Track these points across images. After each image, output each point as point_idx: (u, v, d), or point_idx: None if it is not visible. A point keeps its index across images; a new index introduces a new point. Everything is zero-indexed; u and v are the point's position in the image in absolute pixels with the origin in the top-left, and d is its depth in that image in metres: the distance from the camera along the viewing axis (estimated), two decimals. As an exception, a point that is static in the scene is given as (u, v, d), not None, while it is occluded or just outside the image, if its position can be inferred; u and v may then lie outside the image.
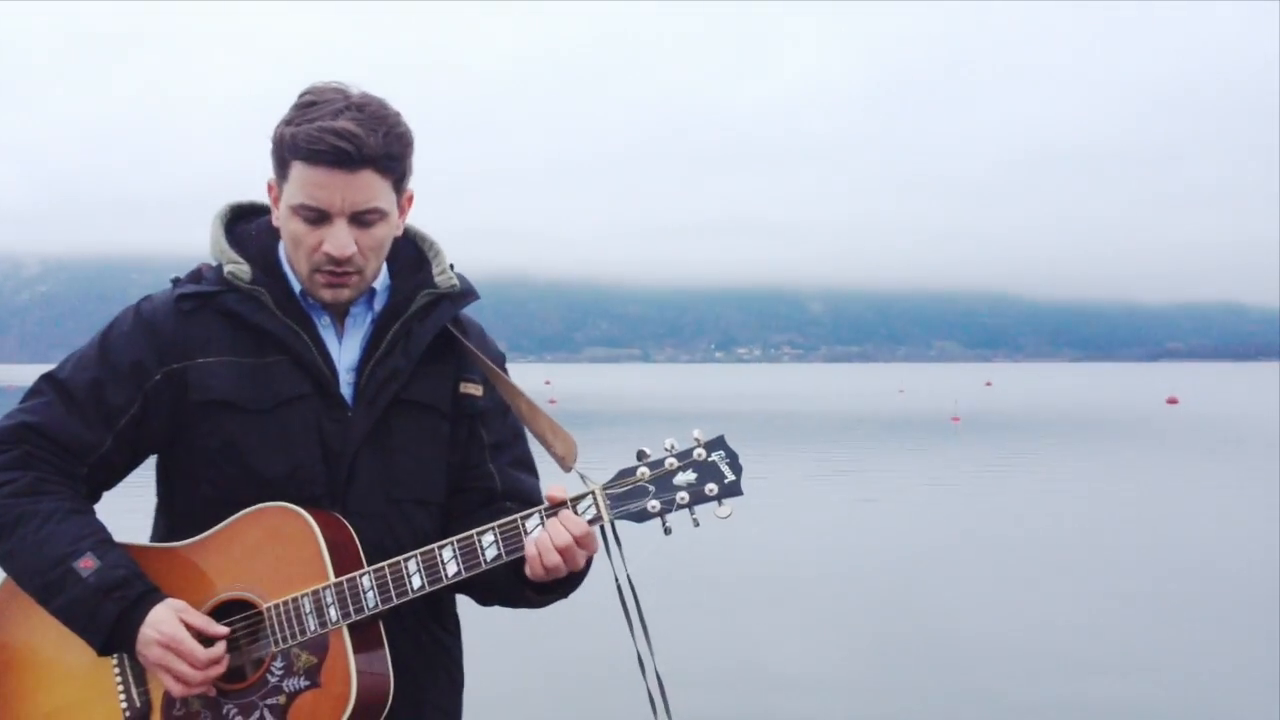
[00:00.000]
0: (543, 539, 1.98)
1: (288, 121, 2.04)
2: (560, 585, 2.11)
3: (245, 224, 2.20)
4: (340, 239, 2.03)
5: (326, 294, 2.09)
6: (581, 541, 1.99)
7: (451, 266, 2.24)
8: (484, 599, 2.22)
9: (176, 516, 2.15)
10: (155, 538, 2.20)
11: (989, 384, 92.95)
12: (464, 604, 2.29)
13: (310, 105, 2.03)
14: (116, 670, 2.07)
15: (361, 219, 2.04)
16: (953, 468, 23.45)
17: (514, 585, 2.10)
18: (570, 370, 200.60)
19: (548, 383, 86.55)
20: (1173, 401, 53.25)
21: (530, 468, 2.29)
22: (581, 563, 2.02)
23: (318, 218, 2.03)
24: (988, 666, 8.22)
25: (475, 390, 2.21)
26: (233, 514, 2.05)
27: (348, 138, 1.98)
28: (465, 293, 2.23)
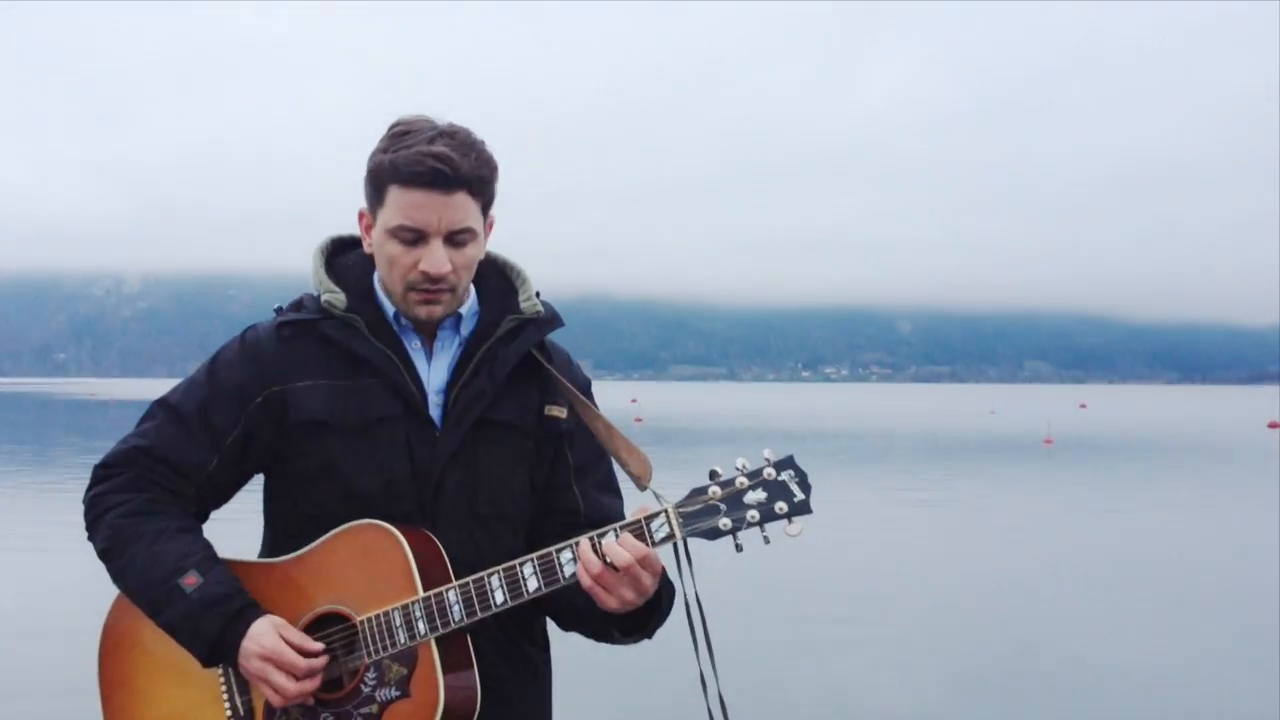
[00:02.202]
0: (586, 554, 2.02)
1: (383, 150, 2.14)
2: (639, 621, 2.16)
3: (344, 256, 2.31)
4: (437, 258, 2.12)
5: (421, 311, 2.18)
6: (642, 563, 2.02)
7: (537, 294, 2.32)
8: (567, 624, 2.29)
9: (280, 533, 2.26)
10: (262, 553, 2.29)
11: (1083, 406, 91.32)
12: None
13: (404, 134, 2.14)
14: (222, 680, 2.18)
15: (455, 239, 2.14)
16: (1045, 490, 23.07)
17: (595, 613, 2.12)
18: (657, 389, 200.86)
19: (634, 401, 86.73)
20: (1274, 426, 51.77)
21: (614, 490, 2.36)
22: (646, 583, 2.04)
23: (415, 238, 2.13)
24: (1083, 697, 8.06)
25: (560, 413, 2.28)
26: (329, 530, 2.15)
27: (444, 160, 2.09)
28: (550, 319, 2.30)
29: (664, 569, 2.10)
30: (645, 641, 2.24)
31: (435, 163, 2.09)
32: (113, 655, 2.29)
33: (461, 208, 2.13)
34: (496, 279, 2.33)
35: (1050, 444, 37.72)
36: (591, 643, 2.27)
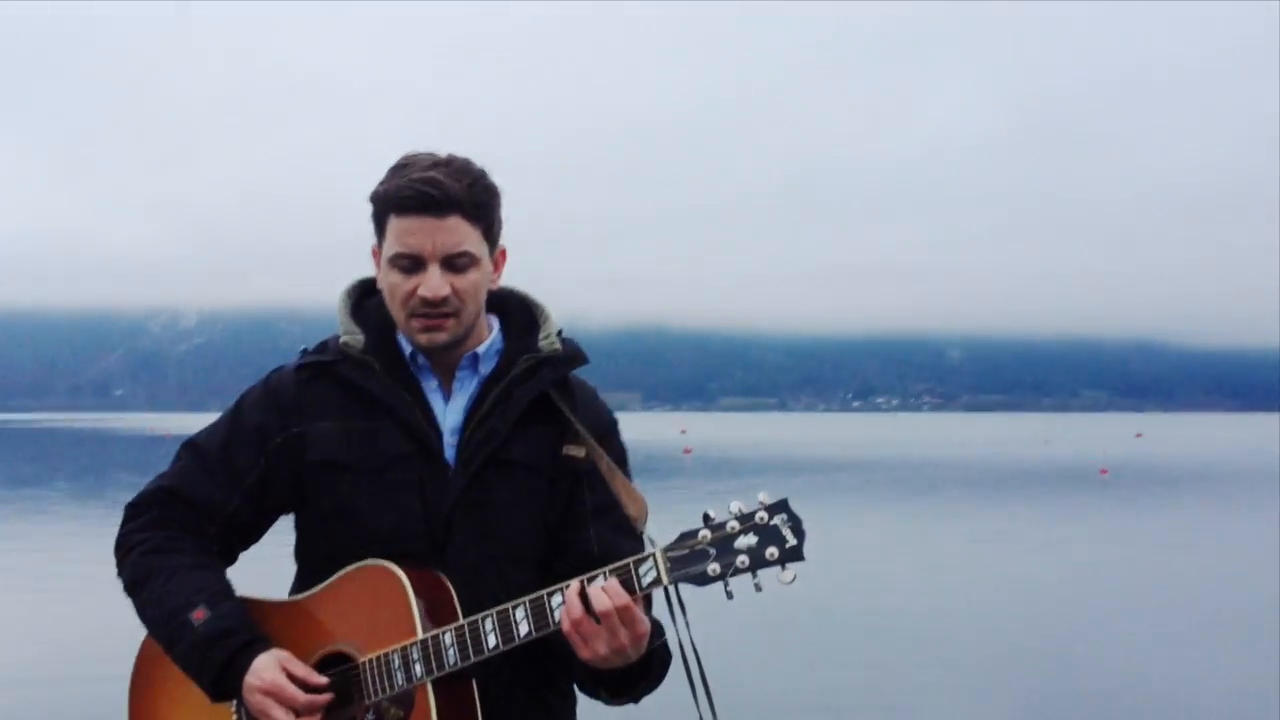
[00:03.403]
0: (570, 598, 1.98)
1: (381, 183, 2.20)
2: (626, 683, 2.13)
3: (374, 297, 2.33)
4: (433, 282, 2.13)
5: (423, 338, 2.19)
6: (622, 614, 1.97)
7: (560, 332, 2.31)
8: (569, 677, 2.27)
9: (306, 571, 2.29)
10: (292, 591, 2.32)
11: (1139, 435, 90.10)
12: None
13: (402, 166, 2.19)
14: (235, 716, 2.19)
15: (453, 263, 2.15)
16: (1101, 522, 22.78)
17: (580, 663, 2.07)
18: (706, 419, 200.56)
19: (683, 431, 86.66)
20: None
21: (630, 532, 2.29)
22: (623, 639, 1.98)
23: (412, 265, 2.15)
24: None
25: (579, 452, 2.25)
26: (344, 569, 2.17)
27: (434, 185, 2.12)
28: (569, 357, 2.30)
29: (657, 634, 2.06)
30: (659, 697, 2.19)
31: (425, 187, 2.12)
32: (141, 690, 2.33)
33: (456, 231, 2.14)
34: (521, 316, 2.33)
35: (1106, 474, 37.24)
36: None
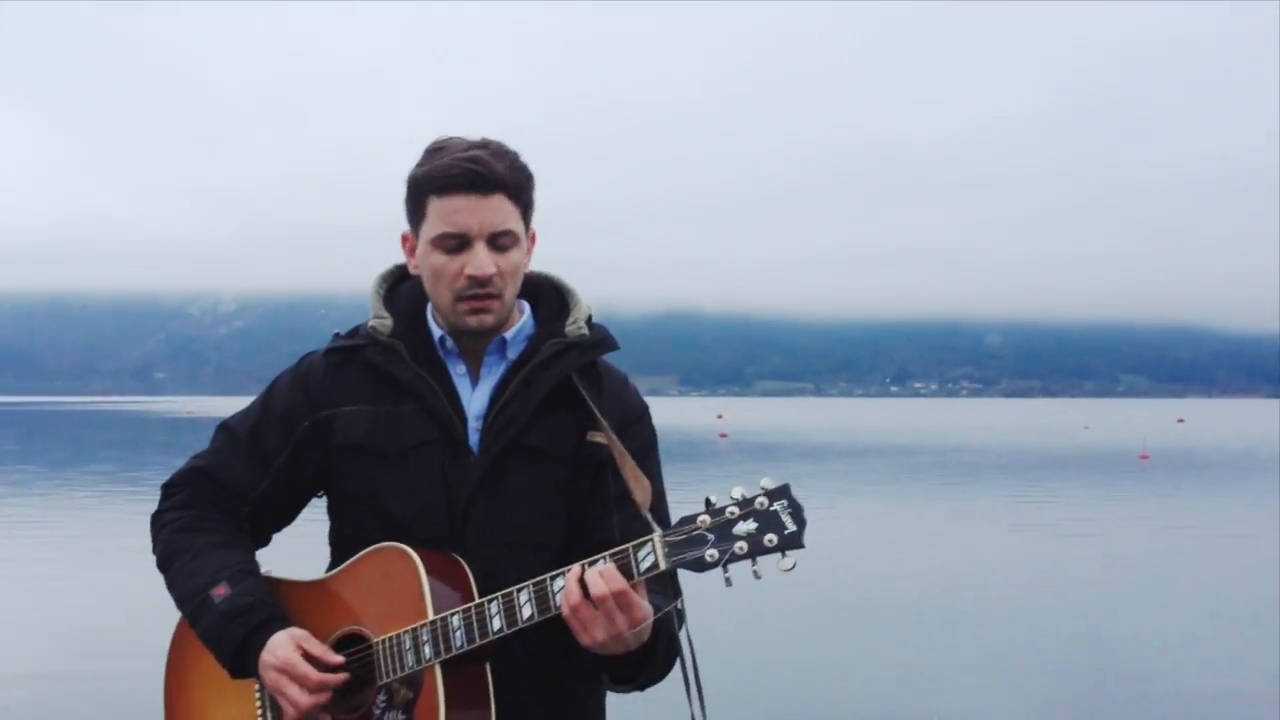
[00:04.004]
0: (570, 583, 1.98)
1: (419, 165, 2.19)
2: (629, 670, 2.11)
3: (405, 283, 2.34)
4: (481, 259, 2.14)
5: (472, 320, 2.18)
6: (619, 599, 1.95)
7: (589, 319, 2.30)
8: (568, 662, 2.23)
9: (336, 554, 2.31)
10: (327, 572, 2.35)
11: (1181, 421, 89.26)
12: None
13: (439, 149, 2.19)
14: (257, 693, 2.23)
15: (497, 242, 2.15)
16: (1142, 508, 22.58)
17: (583, 654, 2.05)
18: (742, 404, 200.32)
19: (719, 416, 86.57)
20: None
21: (656, 521, 2.30)
22: (620, 625, 1.96)
23: (458, 244, 2.15)
24: (1177, 715, 7.86)
25: (602, 439, 2.23)
26: (363, 551, 2.20)
27: (479, 163, 2.13)
28: (597, 343, 2.28)
29: (660, 621, 2.03)
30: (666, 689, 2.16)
31: (471, 165, 2.12)
32: (176, 668, 2.37)
33: (500, 209, 2.15)
34: (553, 301, 2.33)
35: (1147, 460, 36.92)
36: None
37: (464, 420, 2.21)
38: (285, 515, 2.36)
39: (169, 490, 2.34)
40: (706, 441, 49.95)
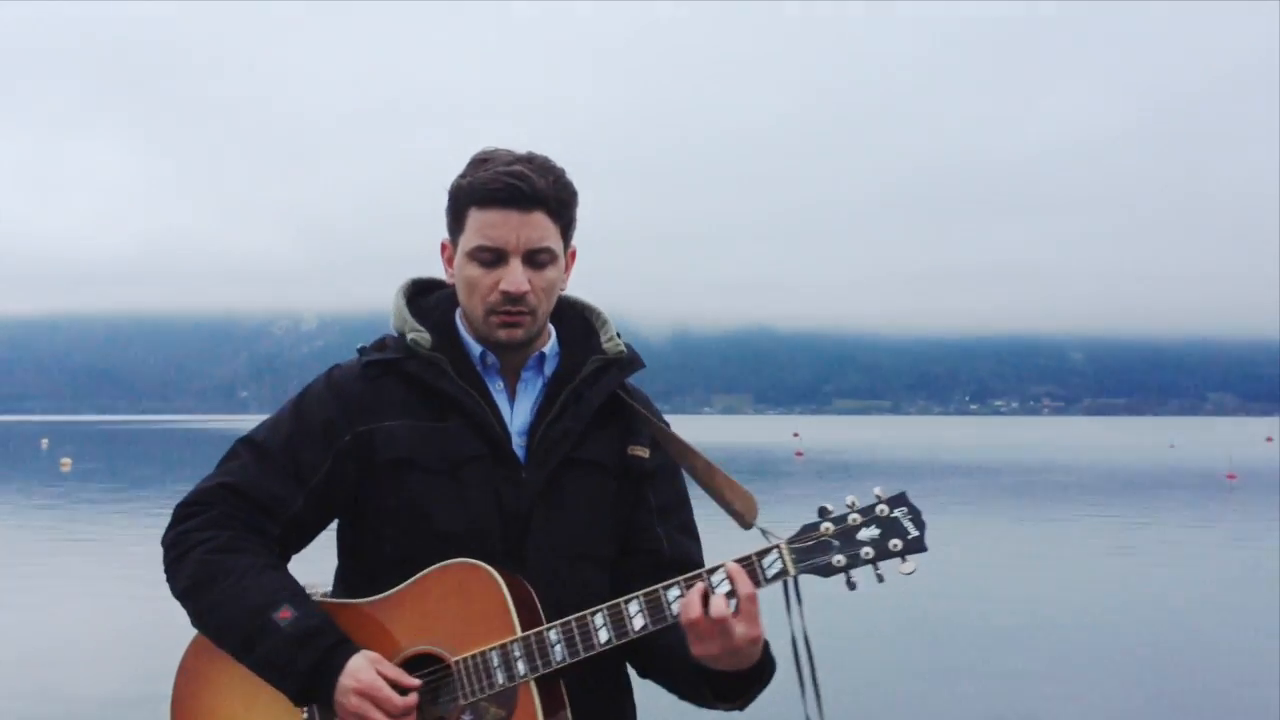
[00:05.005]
0: (691, 593, 1.98)
1: (462, 176, 2.17)
2: (738, 687, 2.09)
3: (426, 297, 2.31)
4: (516, 276, 2.11)
5: (502, 334, 2.16)
6: (746, 606, 1.96)
7: (618, 335, 2.32)
8: (654, 671, 2.24)
9: (358, 576, 2.21)
10: (336, 593, 2.26)
11: (1270, 440, 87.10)
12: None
13: (483, 161, 2.17)
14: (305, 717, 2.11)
15: (535, 259, 2.13)
16: (1229, 529, 22.09)
17: (688, 664, 2.06)
18: (819, 422, 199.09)
19: (796, 435, 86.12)
20: None
21: (694, 534, 2.32)
22: (737, 636, 1.97)
23: (494, 259, 2.12)
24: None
25: (643, 452, 2.25)
26: (412, 572, 2.10)
27: (521, 178, 2.10)
28: (632, 360, 2.29)
29: (767, 644, 2.04)
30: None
31: (512, 179, 2.10)
32: (187, 702, 2.22)
33: (540, 226, 2.12)
34: (575, 321, 2.32)
35: (1234, 479, 36.07)
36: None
37: (507, 435, 2.19)
38: (308, 537, 2.25)
39: (191, 509, 2.18)
40: (783, 460, 49.71)
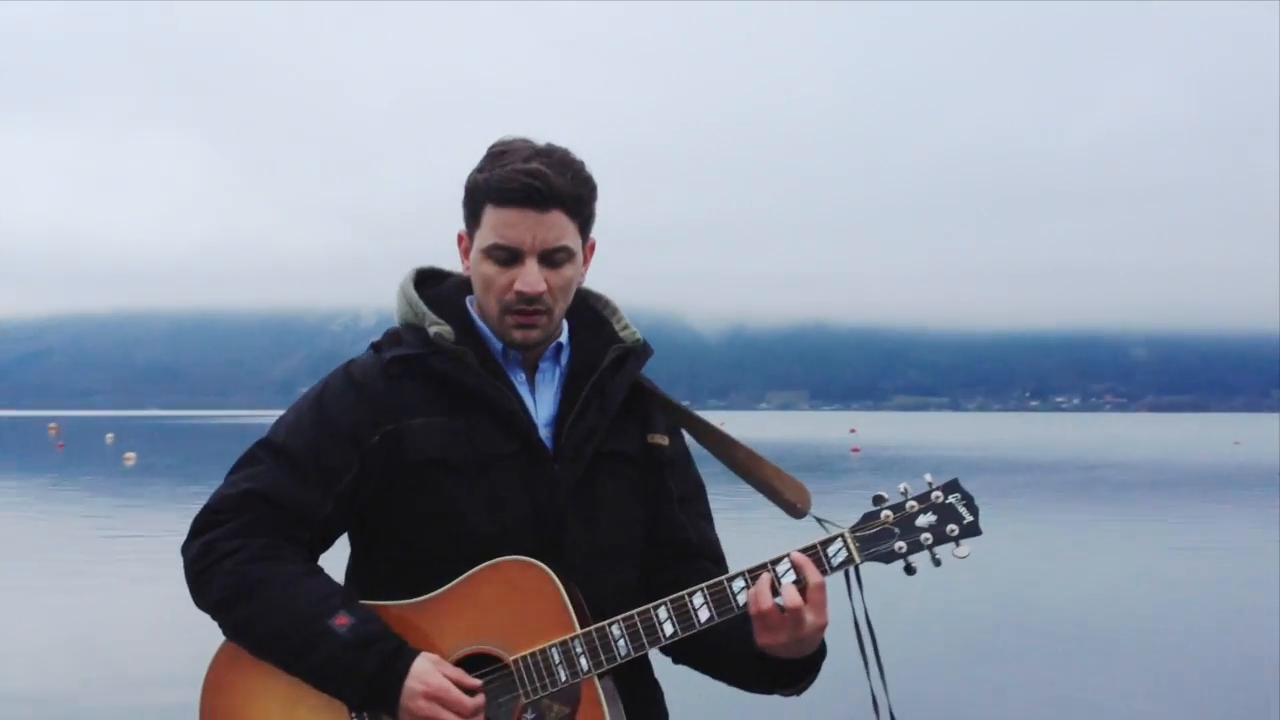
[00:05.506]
0: (760, 588, 2.00)
1: (479, 170, 2.12)
2: (799, 672, 2.12)
3: (433, 288, 2.25)
4: (531, 277, 2.07)
5: (517, 334, 2.12)
6: (813, 595, 2.00)
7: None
8: (701, 661, 2.24)
9: (378, 579, 2.14)
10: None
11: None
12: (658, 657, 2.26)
13: (501, 154, 2.10)
14: None
15: (551, 258, 2.09)
16: (1297, 526, 21.64)
17: (748, 652, 2.09)
18: (876, 419, 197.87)
19: (852, 431, 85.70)
20: None
21: (711, 521, 2.33)
22: (808, 622, 2.00)
23: (509, 258, 2.08)
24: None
25: (662, 440, 2.24)
26: (444, 572, 2.06)
27: (539, 177, 2.04)
28: (646, 347, 2.27)
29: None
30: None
31: (529, 179, 2.04)
32: (220, 715, 2.13)
33: (557, 226, 2.08)
34: (585, 310, 2.28)
35: (1302, 477, 35.40)
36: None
37: (535, 430, 2.14)
38: (332, 540, 2.18)
39: (216, 517, 2.10)
40: (839, 456, 49.42)
